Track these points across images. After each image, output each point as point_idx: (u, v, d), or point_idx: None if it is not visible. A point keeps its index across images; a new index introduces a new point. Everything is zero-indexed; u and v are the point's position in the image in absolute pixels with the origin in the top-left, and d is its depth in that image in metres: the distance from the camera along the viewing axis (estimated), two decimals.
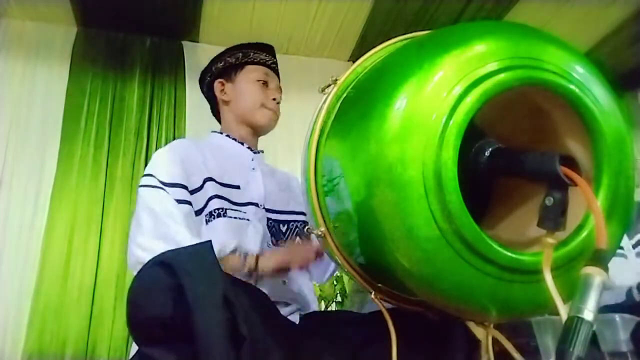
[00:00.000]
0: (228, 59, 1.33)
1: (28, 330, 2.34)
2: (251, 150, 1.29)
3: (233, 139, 1.28)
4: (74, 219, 2.53)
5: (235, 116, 1.30)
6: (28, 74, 2.72)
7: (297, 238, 1.21)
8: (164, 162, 1.12)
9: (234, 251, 1.05)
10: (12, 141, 2.60)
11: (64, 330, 2.38)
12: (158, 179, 1.07)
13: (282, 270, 1.04)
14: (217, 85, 1.32)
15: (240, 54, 1.32)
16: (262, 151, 1.34)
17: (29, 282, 2.41)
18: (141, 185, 1.08)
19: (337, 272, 1.31)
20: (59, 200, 2.55)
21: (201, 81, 1.38)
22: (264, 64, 1.32)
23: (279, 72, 1.37)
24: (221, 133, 1.31)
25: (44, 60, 2.76)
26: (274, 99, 1.28)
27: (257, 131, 1.31)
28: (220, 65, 1.33)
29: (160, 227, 1.01)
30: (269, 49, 1.37)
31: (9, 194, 2.53)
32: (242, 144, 1.28)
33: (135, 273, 0.93)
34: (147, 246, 0.99)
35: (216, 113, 1.36)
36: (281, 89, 1.35)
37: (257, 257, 1.02)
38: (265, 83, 1.29)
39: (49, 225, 2.50)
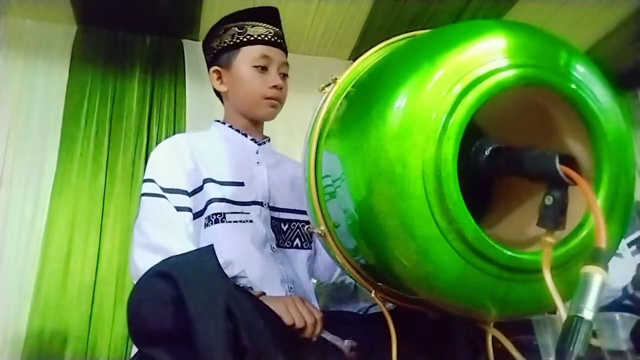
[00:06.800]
0: (223, 35, 1.20)
1: (28, 329, 2.34)
2: (255, 141, 1.22)
3: (236, 130, 1.22)
4: (74, 218, 2.53)
5: (235, 108, 1.23)
6: (28, 72, 2.72)
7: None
8: (163, 164, 1.10)
9: (235, 277, 1.00)
10: (12, 140, 2.60)
11: (64, 330, 2.38)
12: (159, 185, 1.07)
13: None
14: (213, 75, 1.23)
15: (236, 30, 1.18)
16: (269, 139, 1.26)
17: (29, 282, 2.41)
18: (143, 194, 1.08)
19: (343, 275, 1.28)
20: (59, 199, 2.55)
21: (204, 52, 1.28)
22: (262, 41, 1.18)
23: (283, 43, 1.23)
24: (224, 123, 1.24)
25: (44, 59, 2.76)
26: (275, 86, 1.17)
27: (259, 122, 1.25)
28: (215, 44, 1.22)
29: (160, 239, 1.01)
30: (269, 16, 1.22)
31: (9, 193, 2.53)
32: (246, 135, 1.22)
33: (135, 282, 0.93)
34: (147, 258, 0.98)
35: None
36: (287, 64, 1.22)
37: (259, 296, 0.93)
38: (264, 68, 1.17)
39: (49, 224, 2.50)
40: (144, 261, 0.98)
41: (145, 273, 0.75)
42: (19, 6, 2.69)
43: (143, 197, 1.07)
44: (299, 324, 0.85)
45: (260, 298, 0.91)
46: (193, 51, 2.92)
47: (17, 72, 2.71)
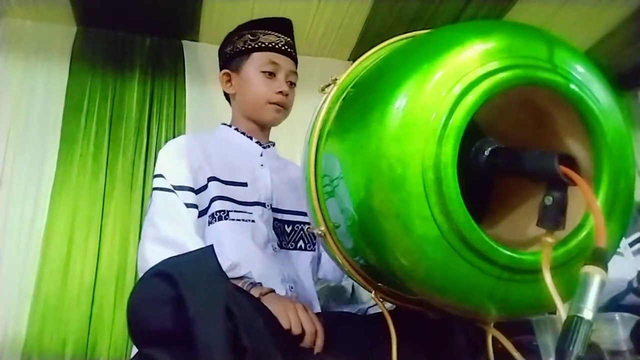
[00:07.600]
0: (236, 41, 1.25)
1: (28, 330, 2.34)
2: (260, 144, 1.25)
3: (242, 132, 1.25)
4: (73, 219, 2.53)
5: (241, 111, 1.26)
6: (28, 73, 2.72)
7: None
8: (173, 162, 1.13)
9: (241, 277, 1.00)
10: (12, 141, 2.60)
11: (64, 330, 2.37)
12: (169, 182, 1.09)
13: None
14: (223, 77, 1.27)
15: (249, 37, 1.23)
16: (274, 143, 1.30)
17: (29, 282, 2.41)
18: (155, 188, 1.10)
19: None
20: (58, 199, 2.55)
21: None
22: (272, 49, 1.22)
23: (293, 52, 1.27)
24: (230, 126, 1.27)
25: (44, 60, 2.76)
26: (281, 92, 1.20)
27: (265, 126, 1.27)
28: (229, 50, 1.27)
29: (171, 232, 1.02)
30: (281, 26, 1.26)
31: (9, 193, 2.53)
32: (251, 138, 1.25)
33: (141, 274, 0.94)
34: (157, 251, 1.00)
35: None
36: (296, 73, 1.26)
37: (261, 296, 0.92)
38: (271, 74, 1.21)
39: (49, 224, 2.50)
40: (154, 254, 0.99)
41: (145, 273, 0.75)
42: (19, 7, 2.69)
43: (155, 191, 1.10)
44: (295, 330, 0.83)
45: (266, 296, 0.91)
46: (193, 52, 2.93)
47: (17, 72, 2.71)
